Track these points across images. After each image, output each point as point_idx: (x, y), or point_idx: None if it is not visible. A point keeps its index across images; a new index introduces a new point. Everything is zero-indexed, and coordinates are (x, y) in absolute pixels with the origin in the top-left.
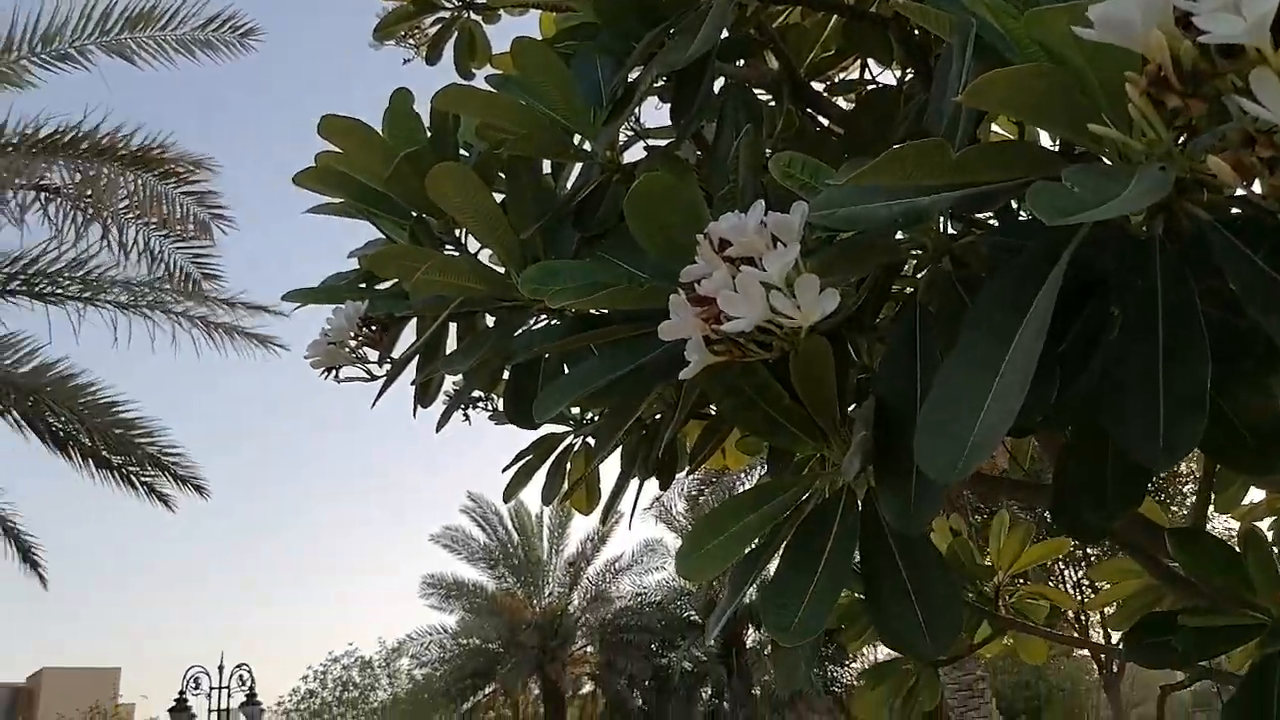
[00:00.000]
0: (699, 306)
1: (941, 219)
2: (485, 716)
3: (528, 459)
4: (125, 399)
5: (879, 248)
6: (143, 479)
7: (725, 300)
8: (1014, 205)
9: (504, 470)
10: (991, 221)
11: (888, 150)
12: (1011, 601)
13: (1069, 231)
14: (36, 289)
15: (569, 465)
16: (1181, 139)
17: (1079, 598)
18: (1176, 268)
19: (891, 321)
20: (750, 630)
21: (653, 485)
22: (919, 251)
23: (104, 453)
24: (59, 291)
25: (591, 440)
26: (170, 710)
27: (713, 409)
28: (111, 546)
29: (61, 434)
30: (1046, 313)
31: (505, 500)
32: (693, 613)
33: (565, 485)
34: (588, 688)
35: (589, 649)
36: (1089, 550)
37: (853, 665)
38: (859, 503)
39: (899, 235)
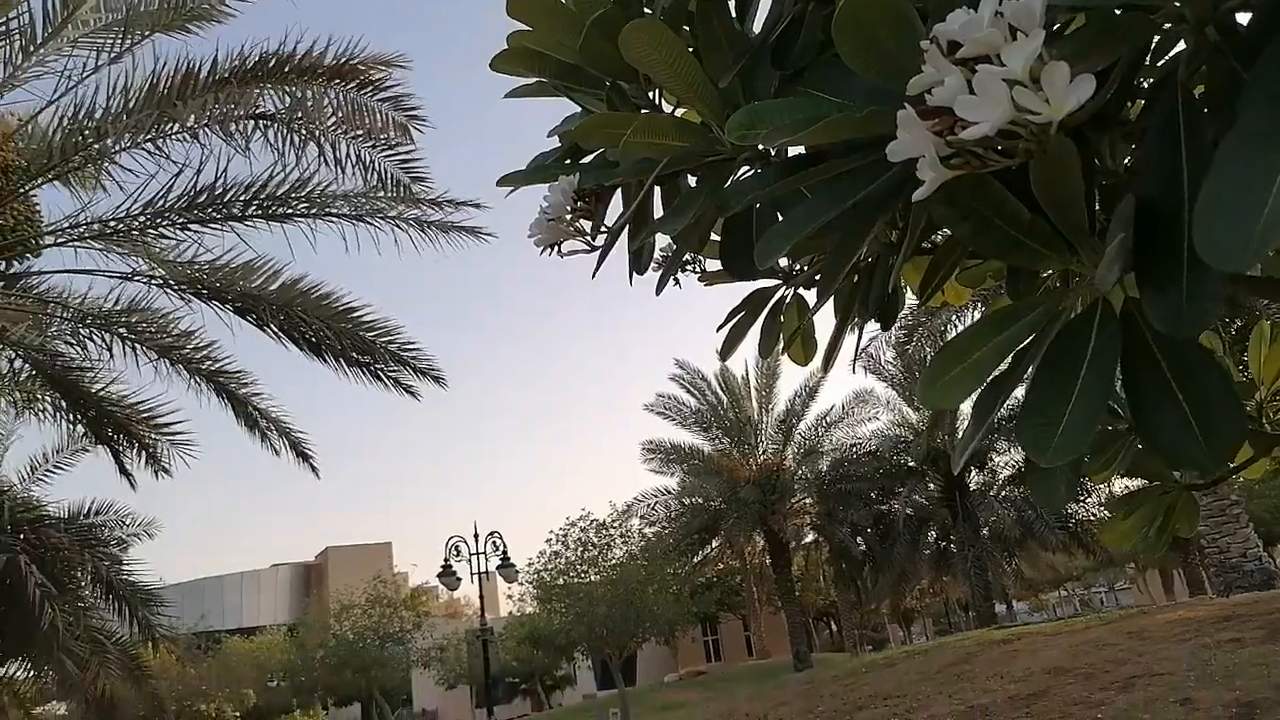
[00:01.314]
0: (931, 119)
1: None
2: (714, 568)
3: (741, 315)
4: (362, 303)
5: (1131, 25)
6: (388, 374)
7: (963, 106)
8: None
9: (718, 329)
10: None
11: None
12: (1276, 418)
13: None
14: (269, 211)
15: (782, 318)
16: None
17: None
18: None
19: (1143, 113)
20: (973, 472)
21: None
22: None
23: (353, 354)
24: (289, 211)
25: (803, 291)
26: (439, 575)
27: (930, 244)
28: (374, 434)
29: (314, 340)
30: None
31: (721, 358)
32: (910, 460)
33: (780, 339)
34: (810, 537)
35: (808, 501)
36: None
37: (1087, 500)
38: (1117, 315)
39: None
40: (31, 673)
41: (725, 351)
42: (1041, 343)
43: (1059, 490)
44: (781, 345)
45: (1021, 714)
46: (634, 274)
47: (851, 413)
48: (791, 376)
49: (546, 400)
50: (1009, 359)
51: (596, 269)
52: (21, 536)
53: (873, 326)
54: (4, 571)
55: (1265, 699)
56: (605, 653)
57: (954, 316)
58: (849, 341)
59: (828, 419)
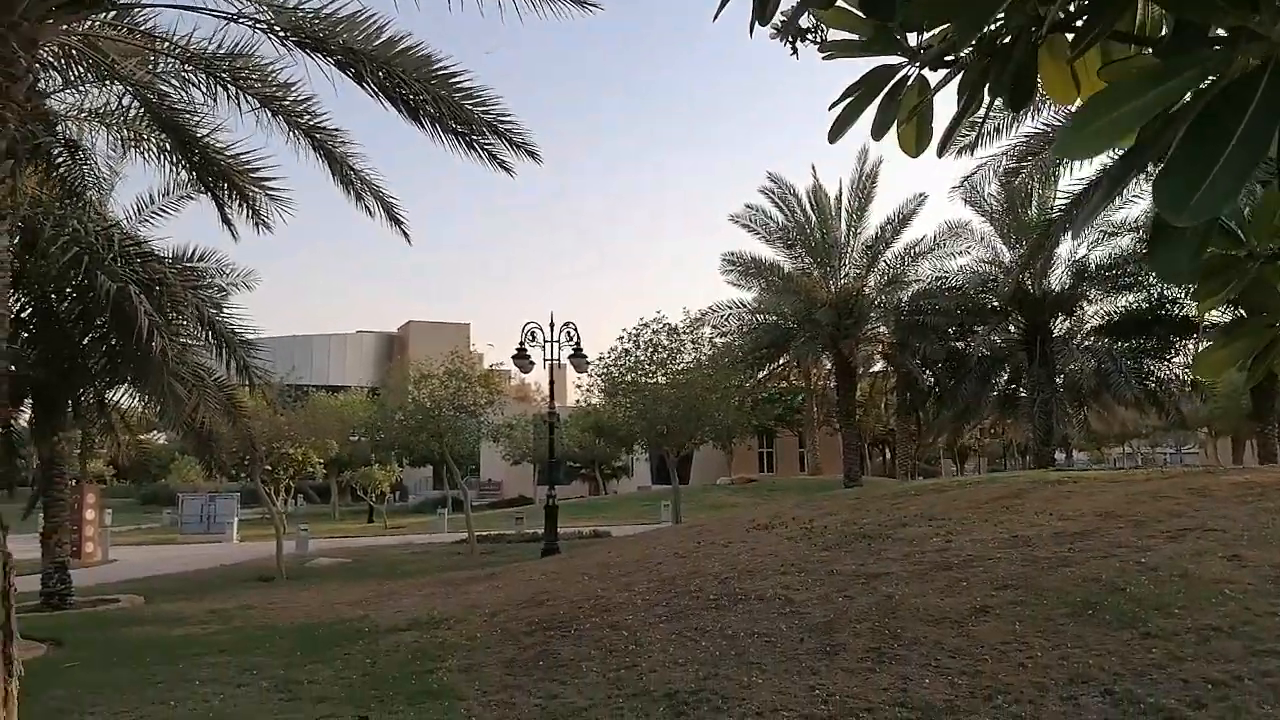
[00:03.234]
0: None
1: None
2: (778, 384)
3: (859, 93)
4: (462, 69)
5: None
6: (483, 145)
7: None
8: None
9: (831, 107)
10: None
11: None
12: None
13: None
14: None
15: (901, 98)
16: None
17: None
18: None
19: None
20: (1059, 318)
21: (963, 166)
22: None
23: (449, 120)
24: None
25: (928, 71)
26: (513, 357)
27: (1077, 25)
28: (458, 216)
29: (412, 102)
30: None
31: (831, 139)
32: (994, 300)
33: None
34: (879, 366)
35: (882, 329)
36: None
37: (1173, 360)
38: None
39: None
40: (138, 400)
41: (835, 132)
42: (1199, 101)
43: (1182, 258)
44: (896, 128)
45: (1065, 549)
46: (755, 24)
47: (942, 245)
48: (885, 200)
49: (631, 206)
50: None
51: (718, 11)
52: (131, 269)
53: (984, 153)
54: (116, 300)
55: None
56: (664, 449)
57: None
58: (984, 119)
59: (916, 249)
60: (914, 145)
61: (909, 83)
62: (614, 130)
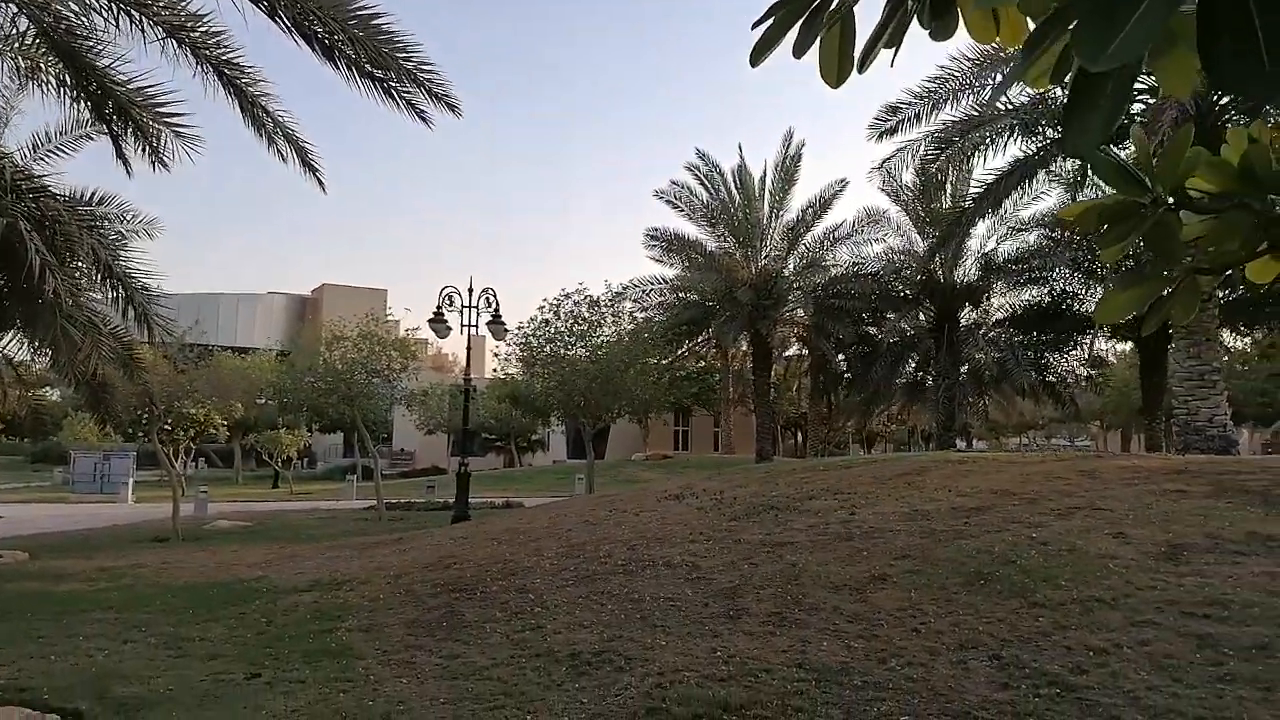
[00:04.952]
0: None
1: None
2: (696, 364)
3: (781, 13)
4: (384, 12)
5: None
6: (403, 94)
7: None
8: None
9: (754, 26)
10: None
11: None
12: None
13: None
14: None
15: (825, 20)
16: None
17: None
18: None
19: None
20: (967, 308)
21: (883, 152)
22: None
23: (366, 65)
24: None
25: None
26: (430, 321)
27: None
28: (376, 176)
29: (327, 42)
30: None
31: (752, 63)
32: (906, 290)
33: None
34: (794, 349)
35: (799, 312)
36: None
37: (1071, 354)
38: None
39: None
40: (27, 346)
41: (756, 55)
42: None
43: (1096, 125)
44: (818, 50)
45: (961, 523)
46: None
47: (860, 231)
48: (807, 186)
49: (556, 177)
50: None
51: None
52: (22, 204)
53: (904, 138)
54: (5, 236)
55: (1195, 544)
56: (581, 421)
57: (988, 137)
58: (899, 41)
59: (835, 234)
60: (835, 71)
61: (832, 6)
62: (550, 97)
